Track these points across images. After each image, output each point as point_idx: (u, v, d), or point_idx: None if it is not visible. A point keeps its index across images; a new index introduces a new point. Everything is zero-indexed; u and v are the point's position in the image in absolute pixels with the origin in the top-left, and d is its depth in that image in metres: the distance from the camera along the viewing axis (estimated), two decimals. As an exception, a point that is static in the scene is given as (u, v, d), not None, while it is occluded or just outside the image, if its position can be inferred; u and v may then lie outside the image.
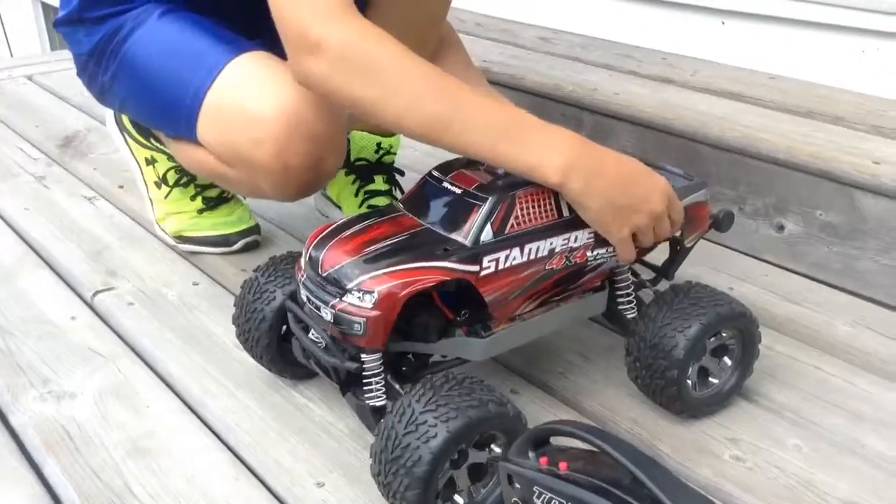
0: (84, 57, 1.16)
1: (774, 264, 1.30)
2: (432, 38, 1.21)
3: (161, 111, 1.11)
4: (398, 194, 1.38)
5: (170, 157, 1.29)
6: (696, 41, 1.72)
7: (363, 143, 1.34)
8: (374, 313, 0.79)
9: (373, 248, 0.82)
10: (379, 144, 1.34)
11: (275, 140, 0.98)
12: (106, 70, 1.13)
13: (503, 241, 0.83)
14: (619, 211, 0.85)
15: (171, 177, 1.30)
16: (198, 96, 1.03)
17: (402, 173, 1.39)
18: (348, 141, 1.36)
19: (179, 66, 1.06)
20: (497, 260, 0.84)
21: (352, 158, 1.35)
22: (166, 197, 1.31)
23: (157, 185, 1.32)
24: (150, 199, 1.34)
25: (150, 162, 1.31)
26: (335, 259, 0.82)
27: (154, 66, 1.08)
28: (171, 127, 1.11)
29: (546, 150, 0.82)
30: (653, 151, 1.40)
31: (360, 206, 1.34)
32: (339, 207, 1.38)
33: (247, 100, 1.00)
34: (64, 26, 1.17)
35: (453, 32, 1.27)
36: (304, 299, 0.86)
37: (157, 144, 1.29)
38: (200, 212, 1.31)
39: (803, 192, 1.24)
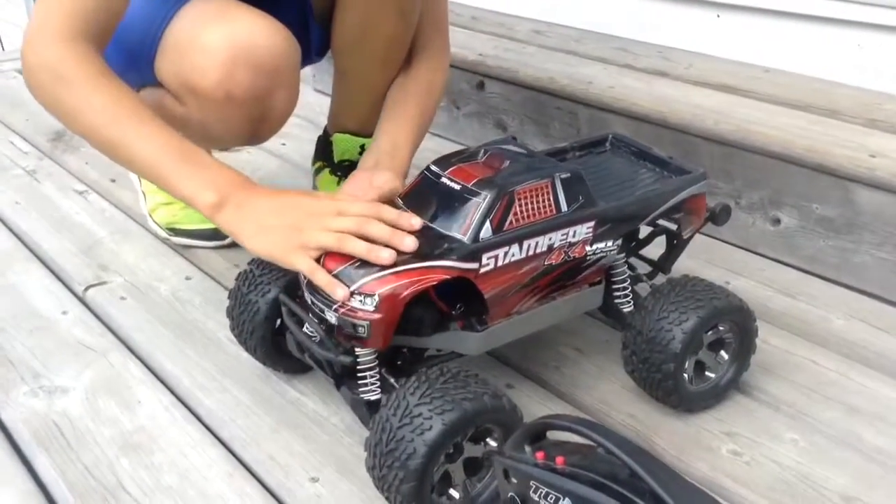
0: None
1: (770, 258, 1.29)
2: (398, 58, 1.19)
3: (129, 59, 1.08)
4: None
5: None
6: (691, 34, 1.72)
7: (346, 146, 1.34)
8: (377, 316, 0.79)
9: None
10: (363, 146, 1.34)
11: (218, 67, 0.98)
12: None
13: (502, 238, 0.83)
14: (281, 231, 0.84)
15: None
16: (157, 35, 1.03)
17: None
18: (330, 144, 1.36)
19: (144, 11, 1.05)
20: (496, 257, 0.83)
21: (336, 160, 1.35)
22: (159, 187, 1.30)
23: None
24: (143, 192, 1.34)
25: None
26: (335, 261, 0.82)
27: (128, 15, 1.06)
28: (138, 72, 1.09)
29: (203, 185, 0.88)
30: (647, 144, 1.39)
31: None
32: None
33: (198, 32, 1.01)
34: None
35: (438, 37, 1.24)
36: (309, 302, 0.85)
37: None
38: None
39: (799, 185, 1.24)
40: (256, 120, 1.05)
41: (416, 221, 0.84)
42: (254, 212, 0.86)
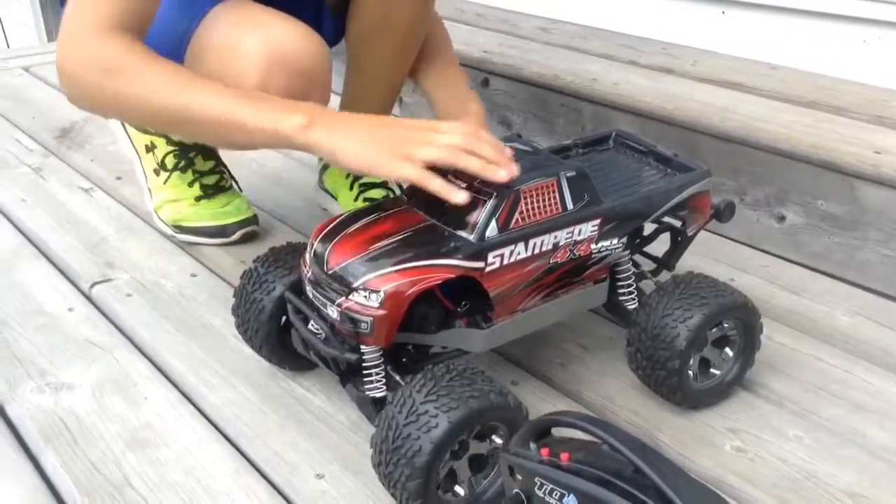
0: None
1: (775, 255, 1.29)
2: (413, 47, 1.21)
3: None
4: (394, 186, 1.37)
5: (168, 141, 1.29)
6: (696, 31, 1.72)
7: None
8: (381, 312, 0.79)
9: (378, 244, 0.82)
10: None
11: (257, 71, 0.98)
12: None
13: (508, 237, 0.83)
14: (383, 142, 0.82)
15: (170, 161, 1.30)
16: (185, 38, 1.03)
17: None
18: None
19: (170, 15, 1.05)
20: (502, 255, 0.83)
21: None
22: (165, 182, 1.31)
23: (156, 173, 1.32)
24: (149, 189, 1.34)
25: (150, 149, 1.31)
26: (341, 256, 0.82)
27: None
28: None
29: (287, 113, 0.86)
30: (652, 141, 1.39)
31: (356, 199, 1.33)
32: (336, 199, 1.37)
33: (231, 36, 1.01)
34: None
35: (441, 33, 1.27)
36: (310, 296, 0.85)
37: None
38: (198, 199, 1.31)
39: (804, 182, 1.24)
40: None
41: (509, 151, 0.83)
42: (348, 128, 0.85)
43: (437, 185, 0.81)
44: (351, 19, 1.22)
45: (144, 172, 1.33)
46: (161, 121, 0.95)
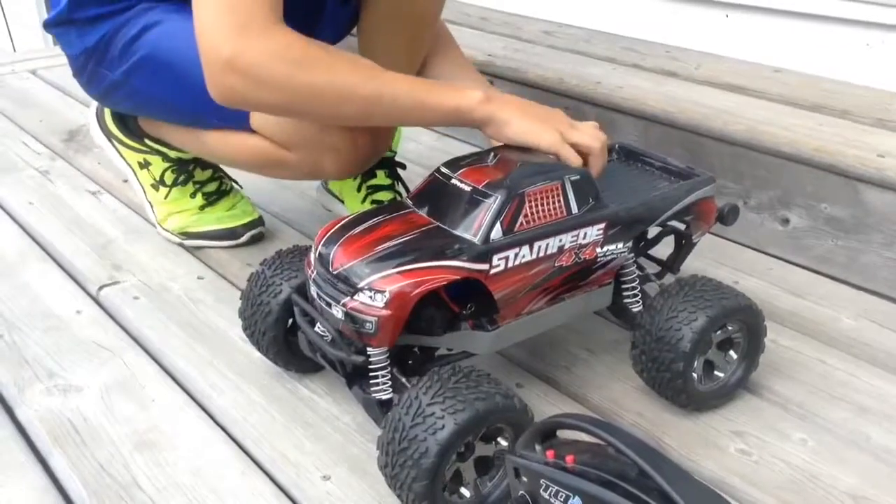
0: (81, 57, 1.15)
1: (779, 258, 1.30)
2: (426, 37, 1.21)
3: (202, 103, 1.04)
4: (401, 188, 1.38)
5: (164, 158, 1.28)
6: (699, 34, 1.72)
7: None
8: (386, 313, 0.79)
9: (383, 246, 0.82)
10: None
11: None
12: (115, 68, 1.13)
13: (513, 239, 0.83)
14: (537, 118, 0.94)
15: (169, 177, 1.30)
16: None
17: (403, 167, 1.39)
18: None
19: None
20: (507, 258, 0.84)
21: None
22: (166, 198, 1.31)
23: (155, 188, 1.31)
24: (150, 202, 1.33)
25: (144, 165, 1.31)
26: (346, 257, 0.82)
27: (190, 56, 1.00)
28: (216, 116, 1.08)
29: (463, 95, 0.94)
30: (656, 145, 1.40)
31: (364, 201, 1.34)
32: (342, 202, 1.38)
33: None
34: (55, 27, 1.17)
35: (445, 29, 1.28)
36: (314, 296, 0.86)
37: (152, 145, 1.28)
38: (202, 208, 1.31)
39: (808, 185, 1.24)
40: (370, 157, 1.08)
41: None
42: (517, 105, 0.95)
43: (569, 154, 0.92)
44: (364, 8, 1.20)
45: (142, 187, 1.33)
46: (349, 107, 0.94)
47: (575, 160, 0.91)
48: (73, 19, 1.12)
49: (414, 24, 1.18)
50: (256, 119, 1.07)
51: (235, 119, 1.07)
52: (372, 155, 1.08)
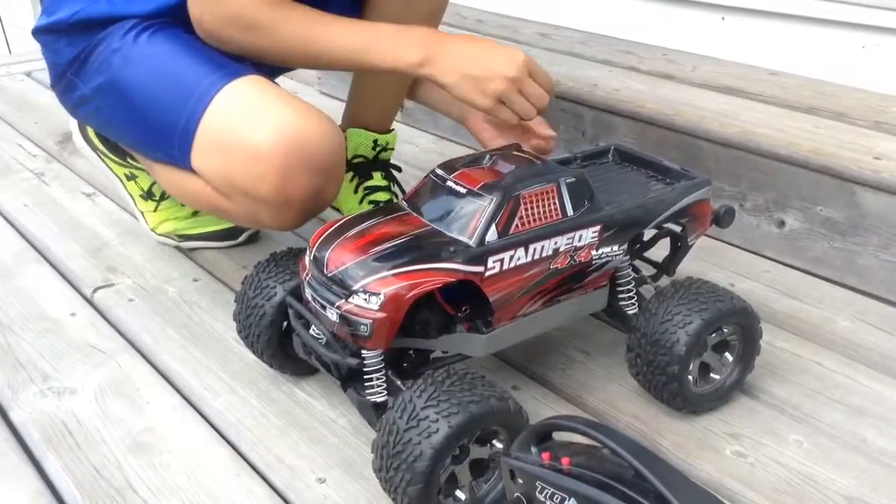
0: (62, 66, 1.14)
1: (775, 260, 1.30)
2: (438, 19, 1.22)
3: (151, 136, 1.08)
4: (397, 190, 1.37)
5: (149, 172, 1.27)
6: (696, 37, 1.72)
7: (360, 140, 1.34)
8: (380, 315, 0.79)
9: (378, 248, 0.82)
10: (375, 141, 1.34)
11: (276, 174, 0.98)
12: (87, 82, 1.12)
13: (508, 242, 0.83)
14: (474, 81, 0.97)
15: (157, 189, 1.29)
16: (191, 123, 1.02)
17: (399, 169, 1.39)
18: (343, 139, 1.35)
19: (171, 90, 1.04)
20: (502, 260, 0.83)
21: (349, 156, 1.35)
22: (155, 210, 1.30)
23: (144, 198, 1.31)
24: (140, 212, 1.33)
25: (131, 177, 1.31)
26: (340, 259, 0.82)
27: (145, 88, 1.06)
28: (162, 152, 1.09)
29: (399, 57, 0.99)
30: (653, 147, 1.40)
31: (361, 202, 1.34)
32: (338, 210, 1.37)
33: (245, 131, 0.99)
34: (45, 34, 1.15)
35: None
36: (309, 299, 0.85)
37: (135, 163, 1.27)
38: (195, 213, 1.31)
39: (804, 188, 1.24)
40: (309, 209, 1.06)
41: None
42: (453, 62, 0.98)
43: (507, 114, 1.00)
44: (369, 7, 1.20)
45: (131, 196, 1.32)
46: (292, 62, 1.09)
47: (511, 119, 0.99)
48: (68, 28, 1.12)
49: (423, 23, 1.18)
50: (196, 161, 1.05)
51: (180, 159, 1.06)
52: (312, 209, 1.05)
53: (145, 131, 1.09)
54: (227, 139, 1.01)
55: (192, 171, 1.06)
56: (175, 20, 1.08)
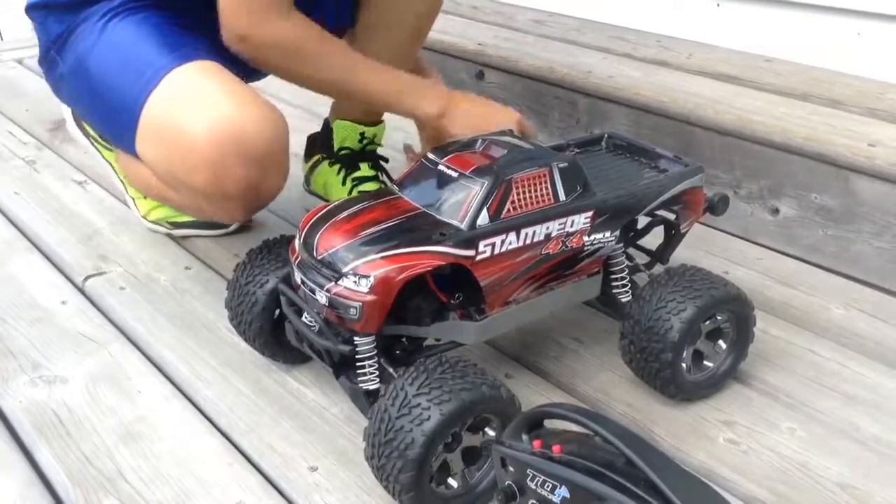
0: (49, 44, 1.13)
1: (769, 248, 1.29)
2: (424, 32, 1.23)
3: (107, 120, 1.08)
4: (385, 179, 1.37)
5: None
6: (691, 24, 1.71)
7: (346, 133, 1.34)
8: (370, 297, 0.79)
9: (368, 231, 0.82)
10: (362, 134, 1.34)
11: (210, 166, 0.97)
12: (65, 60, 1.11)
13: (499, 226, 0.83)
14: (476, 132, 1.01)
15: None
16: (135, 108, 1.01)
17: (386, 160, 1.38)
18: (330, 130, 1.35)
19: (124, 74, 1.04)
20: (493, 244, 0.83)
21: (335, 148, 1.35)
22: (146, 197, 1.30)
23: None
24: (132, 198, 1.32)
25: None
26: (330, 242, 0.82)
27: (102, 71, 1.06)
28: (115, 137, 1.08)
29: (424, 103, 1.07)
30: (648, 134, 1.39)
31: (350, 193, 1.33)
32: (326, 201, 1.36)
33: (182, 120, 0.98)
34: (37, 10, 1.14)
35: None
36: (299, 282, 0.85)
37: None
38: None
39: (798, 175, 1.24)
40: (249, 202, 1.06)
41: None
42: (465, 117, 1.06)
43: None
44: (361, 8, 1.20)
45: (122, 182, 1.31)
46: (328, 94, 1.15)
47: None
48: (55, 4, 1.11)
49: (408, 30, 1.20)
50: (139, 148, 1.04)
51: (128, 144, 1.05)
52: (253, 200, 1.05)
53: (105, 114, 1.09)
54: (165, 128, 1.00)
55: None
56: (159, 5, 1.07)
